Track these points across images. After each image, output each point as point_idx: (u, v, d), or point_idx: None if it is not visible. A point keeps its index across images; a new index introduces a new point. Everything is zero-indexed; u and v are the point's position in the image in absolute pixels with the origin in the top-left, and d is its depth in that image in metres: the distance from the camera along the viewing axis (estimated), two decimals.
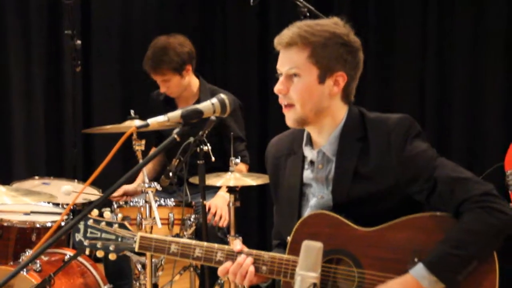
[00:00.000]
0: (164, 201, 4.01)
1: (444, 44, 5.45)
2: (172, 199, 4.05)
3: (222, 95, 2.40)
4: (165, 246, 2.45)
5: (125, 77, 6.39)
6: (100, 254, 2.49)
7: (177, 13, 6.48)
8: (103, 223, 2.50)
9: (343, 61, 2.40)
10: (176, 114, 2.30)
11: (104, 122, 5.12)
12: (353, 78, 2.45)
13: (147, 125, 2.27)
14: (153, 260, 3.88)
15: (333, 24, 2.43)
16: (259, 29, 6.25)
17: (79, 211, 4.34)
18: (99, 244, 2.49)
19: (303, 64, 2.38)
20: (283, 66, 2.42)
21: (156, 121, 2.27)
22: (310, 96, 2.39)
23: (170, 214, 3.96)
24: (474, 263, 2.25)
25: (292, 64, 2.40)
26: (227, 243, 3.99)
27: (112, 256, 2.49)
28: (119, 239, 2.48)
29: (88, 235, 2.49)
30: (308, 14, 4.07)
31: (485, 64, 5.30)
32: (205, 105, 2.35)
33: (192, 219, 4.01)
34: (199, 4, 6.55)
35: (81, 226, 2.49)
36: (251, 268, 2.37)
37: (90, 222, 2.49)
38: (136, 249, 2.46)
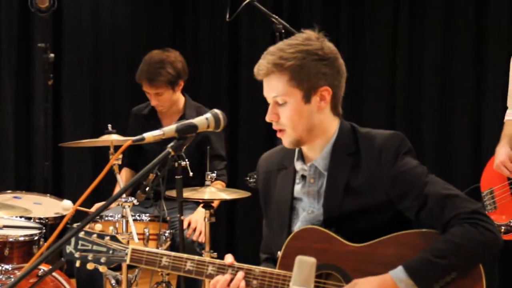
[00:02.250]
0: (139, 215, 4.00)
1: (414, 58, 5.53)
2: (148, 214, 4.04)
3: (216, 110, 2.42)
4: (156, 259, 2.45)
5: (96, 91, 6.36)
6: (90, 266, 2.47)
7: (148, 28, 6.49)
8: (94, 235, 2.49)
9: (323, 76, 2.43)
10: (171, 128, 2.32)
11: (74, 135, 5.10)
12: (338, 87, 2.48)
13: (143, 138, 2.29)
14: (128, 275, 3.86)
15: (305, 40, 2.44)
16: (230, 43, 6.30)
17: (52, 225, 4.30)
18: (90, 256, 2.48)
19: (286, 90, 2.42)
20: (268, 94, 2.47)
21: (151, 135, 2.30)
22: (300, 118, 2.43)
23: (145, 229, 3.95)
24: (453, 275, 2.30)
25: (275, 92, 2.43)
26: None
27: (103, 269, 2.47)
28: (111, 252, 2.47)
29: (79, 247, 2.47)
30: (283, 30, 4.13)
31: (455, 80, 5.39)
32: (200, 120, 2.38)
33: (167, 234, 4.00)
34: (171, 18, 6.57)
35: (72, 238, 2.47)
36: (242, 283, 2.39)
37: (81, 234, 2.48)
38: (128, 262, 2.45)
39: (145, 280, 4.10)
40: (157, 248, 3.95)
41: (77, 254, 2.49)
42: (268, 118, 2.47)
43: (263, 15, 4.24)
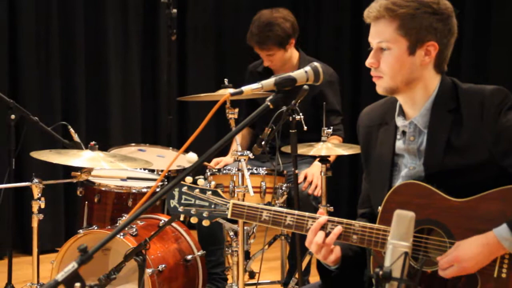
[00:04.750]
0: (256, 169, 4.05)
1: None
2: (264, 168, 4.08)
3: (316, 63, 2.41)
4: (257, 214, 2.47)
5: (220, 48, 6.45)
6: (194, 220, 2.53)
7: None
8: (197, 190, 2.53)
9: (433, 30, 2.36)
10: (269, 81, 2.31)
11: (198, 90, 5.19)
12: (446, 46, 2.41)
13: (241, 92, 2.30)
14: (245, 228, 3.93)
15: None
16: (352, 0, 6.21)
17: (174, 178, 4.43)
18: (193, 211, 2.53)
19: (392, 37, 2.37)
20: (373, 39, 2.43)
21: (250, 89, 2.30)
22: (401, 68, 2.38)
23: (262, 183, 3.99)
24: None
25: (381, 37, 2.39)
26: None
27: (205, 223, 2.52)
28: (213, 206, 2.52)
29: (183, 201, 2.53)
30: None
31: None
32: (299, 73, 2.37)
33: (283, 188, 4.03)
34: None
35: (176, 192, 2.53)
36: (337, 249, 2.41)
37: (184, 188, 2.53)
38: (229, 216, 2.49)
39: (263, 233, 4.15)
40: (274, 201, 3.99)
41: (180, 208, 2.54)
42: (368, 63, 2.42)
43: None
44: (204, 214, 2.52)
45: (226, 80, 4.17)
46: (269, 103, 2.28)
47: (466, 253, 2.26)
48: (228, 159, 4.53)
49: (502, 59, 5.49)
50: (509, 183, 2.30)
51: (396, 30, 2.36)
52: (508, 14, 5.46)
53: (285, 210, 2.46)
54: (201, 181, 2.56)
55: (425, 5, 2.36)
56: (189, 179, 2.51)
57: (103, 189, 4.09)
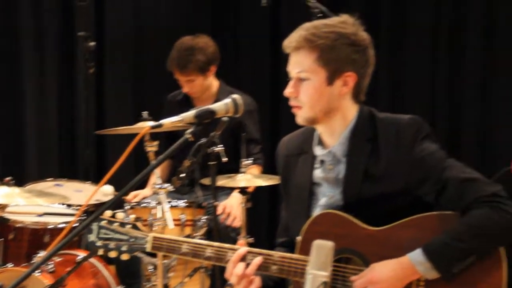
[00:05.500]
0: (176, 202, 4.03)
1: (455, 42, 5.44)
2: (184, 200, 4.07)
3: (235, 95, 2.42)
4: (177, 246, 2.46)
5: (138, 79, 6.41)
6: (113, 254, 2.50)
7: (189, 15, 6.49)
8: (116, 224, 2.51)
9: (351, 61, 2.42)
10: (190, 114, 2.33)
11: (117, 123, 5.13)
12: (363, 76, 2.47)
13: (161, 125, 2.30)
14: (164, 261, 3.90)
15: (341, 23, 2.44)
16: (270, 29, 6.26)
17: (92, 213, 4.36)
18: (112, 245, 2.51)
19: (312, 67, 2.41)
20: (292, 69, 2.46)
21: (169, 122, 2.30)
22: (320, 98, 2.42)
23: (181, 215, 3.98)
24: (472, 258, 2.28)
25: (301, 67, 2.43)
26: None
27: (125, 257, 2.50)
28: (132, 240, 2.50)
29: (101, 235, 2.51)
30: (321, 14, 4.08)
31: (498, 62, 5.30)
32: (218, 105, 2.38)
33: (203, 220, 4.02)
34: (211, 6, 6.56)
35: (95, 227, 2.50)
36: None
37: (103, 223, 2.51)
38: (149, 249, 2.48)
39: (183, 266, 4.13)
40: (193, 234, 3.98)
41: (99, 243, 2.51)
42: (287, 92, 2.45)
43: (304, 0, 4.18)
44: (123, 248, 2.50)
45: (145, 113, 4.15)
46: (189, 136, 2.29)
47: (381, 275, 2.31)
48: (146, 192, 4.50)
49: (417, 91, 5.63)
50: (424, 211, 2.36)
51: (316, 61, 2.40)
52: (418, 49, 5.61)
53: (205, 242, 2.46)
54: (120, 215, 2.54)
55: (344, 36, 2.41)
56: (108, 213, 2.49)
57: (19, 225, 3.99)
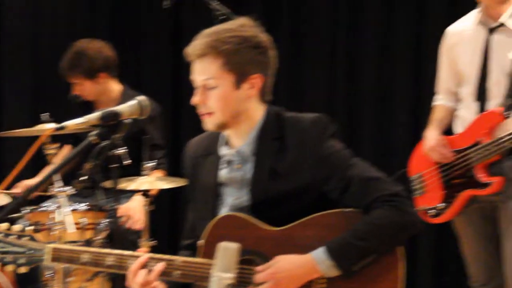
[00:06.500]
0: (77, 205, 3.97)
1: (353, 49, 5.56)
2: (85, 203, 4.01)
3: (141, 97, 2.42)
4: (76, 257, 2.43)
5: (37, 80, 6.27)
6: (11, 268, 2.41)
7: (88, 16, 6.40)
8: (12, 237, 2.43)
9: (256, 63, 2.45)
10: (94, 116, 2.30)
11: (15, 125, 5.01)
12: (268, 77, 2.50)
13: (63, 127, 2.26)
14: (64, 265, 3.83)
15: (241, 27, 2.46)
16: (172, 31, 6.24)
17: None
18: (9, 258, 2.42)
19: (218, 73, 2.42)
20: (198, 76, 2.45)
21: (73, 124, 2.27)
22: (228, 103, 2.43)
23: (82, 219, 3.92)
24: (372, 256, 2.35)
25: (207, 74, 2.43)
26: (139, 247, 3.99)
27: (23, 270, 2.42)
28: (30, 252, 2.43)
29: None
30: (224, 17, 4.09)
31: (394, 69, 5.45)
32: (123, 107, 2.37)
33: (104, 224, 3.98)
34: (110, 7, 6.48)
35: None
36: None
37: None
38: (48, 262, 2.41)
39: (83, 270, 4.05)
40: (94, 237, 3.92)
41: None
42: (194, 101, 2.45)
43: (206, 2, 4.18)
44: (21, 261, 2.43)
45: (45, 115, 4.05)
46: (92, 138, 2.26)
47: (283, 268, 2.33)
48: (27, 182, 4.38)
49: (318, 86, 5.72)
50: (330, 209, 2.40)
51: (222, 67, 2.41)
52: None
53: (105, 250, 2.43)
54: (17, 227, 2.45)
55: (246, 39, 2.43)
56: (4, 226, 2.41)
57: None
